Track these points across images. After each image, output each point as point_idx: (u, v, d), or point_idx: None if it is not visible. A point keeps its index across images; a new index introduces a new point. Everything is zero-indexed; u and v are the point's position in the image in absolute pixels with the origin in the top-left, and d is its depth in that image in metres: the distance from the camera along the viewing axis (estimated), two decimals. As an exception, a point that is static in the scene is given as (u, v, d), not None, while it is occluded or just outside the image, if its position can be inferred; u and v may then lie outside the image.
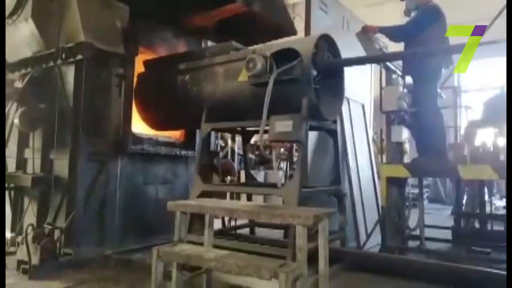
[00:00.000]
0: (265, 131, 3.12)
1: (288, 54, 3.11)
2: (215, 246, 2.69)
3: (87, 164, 3.77)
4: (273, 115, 3.01)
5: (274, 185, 3.22)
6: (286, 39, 4.60)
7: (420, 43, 4.26)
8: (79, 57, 3.71)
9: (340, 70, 3.59)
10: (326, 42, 3.34)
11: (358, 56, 3.96)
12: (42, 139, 3.98)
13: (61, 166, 3.79)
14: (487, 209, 5.79)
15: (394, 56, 3.89)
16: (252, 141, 9.30)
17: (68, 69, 3.87)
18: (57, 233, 3.56)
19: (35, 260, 3.30)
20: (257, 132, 3.57)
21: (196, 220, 3.49)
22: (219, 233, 3.88)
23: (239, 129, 4.27)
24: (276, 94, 3.01)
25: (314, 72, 3.17)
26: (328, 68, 3.35)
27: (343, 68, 3.61)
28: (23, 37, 4.12)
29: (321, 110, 3.24)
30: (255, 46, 3.50)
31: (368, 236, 4.69)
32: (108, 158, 3.92)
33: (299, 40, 3.66)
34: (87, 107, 3.78)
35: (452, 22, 4.51)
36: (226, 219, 4.88)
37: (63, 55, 3.80)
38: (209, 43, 5.34)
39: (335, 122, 3.70)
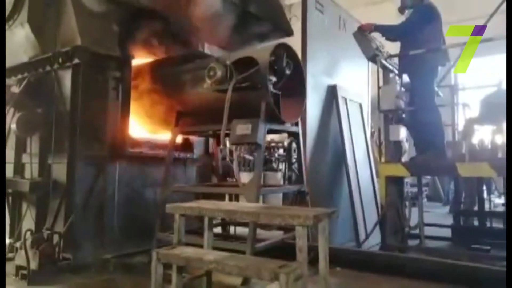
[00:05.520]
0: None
1: (250, 62, 3.27)
2: (214, 248, 2.68)
3: (85, 168, 3.75)
4: (235, 119, 3.23)
5: (236, 185, 3.44)
6: (251, 48, 4.74)
7: (416, 42, 4.28)
8: (76, 61, 3.70)
9: (300, 76, 3.74)
10: (285, 50, 3.49)
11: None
12: (39, 144, 3.97)
13: (59, 170, 3.78)
14: (486, 207, 5.80)
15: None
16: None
17: (65, 73, 3.86)
18: (56, 237, 3.54)
19: (34, 265, 3.28)
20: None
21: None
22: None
23: (211, 132, 4.30)
24: (239, 99, 3.23)
25: (273, 78, 3.36)
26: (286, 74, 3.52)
27: (303, 73, 3.77)
28: (19, 42, 4.11)
29: (280, 114, 3.42)
30: (223, 55, 3.69)
31: (367, 236, 4.69)
32: (106, 162, 3.90)
33: (258, 49, 3.92)
34: (84, 111, 3.77)
35: (446, 20, 4.53)
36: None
37: (60, 60, 3.79)
38: (206, 45, 5.34)
39: (297, 124, 3.86)
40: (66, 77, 3.84)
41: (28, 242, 3.33)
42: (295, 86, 3.68)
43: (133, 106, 4.27)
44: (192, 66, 3.91)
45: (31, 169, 3.95)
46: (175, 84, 4.00)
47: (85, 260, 3.57)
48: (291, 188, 3.99)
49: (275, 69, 3.38)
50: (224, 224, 4.48)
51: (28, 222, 3.84)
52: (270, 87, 3.29)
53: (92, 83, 3.85)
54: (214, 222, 4.36)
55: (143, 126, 4.59)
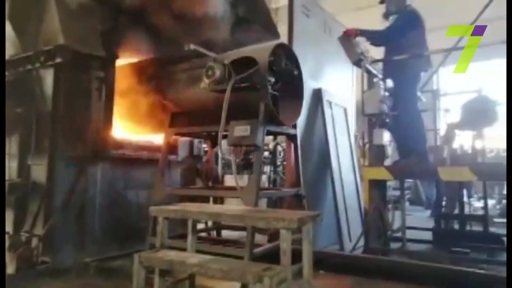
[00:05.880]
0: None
1: (247, 62, 3.19)
2: (198, 251, 2.65)
3: (65, 169, 3.67)
4: (232, 120, 3.13)
5: (234, 188, 3.31)
6: (250, 46, 4.66)
7: (400, 47, 4.35)
8: (58, 60, 3.64)
9: (299, 77, 3.68)
10: (284, 50, 3.45)
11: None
12: (19, 144, 3.87)
13: (38, 171, 3.69)
14: (466, 210, 5.92)
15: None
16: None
17: (47, 73, 3.77)
18: (34, 240, 3.46)
19: (11, 269, 3.19)
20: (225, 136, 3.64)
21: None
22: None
23: (205, 133, 4.25)
24: (236, 100, 3.12)
25: (272, 79, 3.29)
26: (286, 74, 3.45)
27: (302, 75, 3.70)
28: (-1, 39, 4.02)
29: (279, 115, 3.35)
30: (221, 55, 3.56)
31: (354, 245, 4.72)
32: (87, 163, 3.83)
33: (257, 49, 3.79)
34: (66, 111, 3.70)
35: (433, 26, 4.62)
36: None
37: (42, 58, 3.71)
38: (192, 46, 5.29)
39: (295, 126, 3.79)
40: (48, 77, 3.76)
41: (6, 245, 3.24)
42: (292, 87, 3.60)
43: (123, 106, 4.18)
44: (188, 65, 3.80)
45: (9, 170, 3.84)
46: (169, 83, 3.89)
47: (65, 263, 3.49)
48: (289, 191, 3.91)
49: (274, 70, 3.31)
50: (218, 228, 4.41)
51: (6, 225, 3.74)
52: (269, 88, 3.22)
53: (74, 82, 3.78)
54: (209, 226, 4.32)
55: (132, 127, 4.49)
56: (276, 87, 3.38)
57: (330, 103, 5.59)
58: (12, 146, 3.92)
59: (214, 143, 4.45)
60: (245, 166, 8.87)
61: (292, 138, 3.93)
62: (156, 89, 4.00)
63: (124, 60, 4.40)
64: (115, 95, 4.14)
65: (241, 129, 3.08)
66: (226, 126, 3.14)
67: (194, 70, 3.56)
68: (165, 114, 3.92)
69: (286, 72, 3.46)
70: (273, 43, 3.55)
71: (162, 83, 3.97)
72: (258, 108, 3.15)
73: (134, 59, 4.49)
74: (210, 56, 3.32)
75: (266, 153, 8.87)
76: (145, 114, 4.18)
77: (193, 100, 3.67)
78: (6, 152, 3.96)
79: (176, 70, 3.89)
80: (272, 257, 2.57)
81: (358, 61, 4.58)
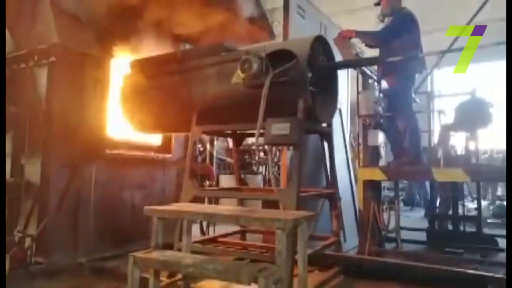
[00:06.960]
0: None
1: (282, 56, 3.02)
2: (195, 252, 2.65)
3: (60, 169, 3.66)
4: (268, 118, 2.95)
5: (269, 190, 3.15)
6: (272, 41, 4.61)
7: (395, 49, 4.37)
8: (53, 58, 3.62)
9: (334, 73, 3.56)
10: (321, 44, 3.32)
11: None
12: (12, 143, 3.84)
13: (32, 171, 3.67)
14: (459, 211, 5.95)
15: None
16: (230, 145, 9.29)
17: (41, 71, 3.76)
18: (28, 241, 3.43)
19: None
20: (249, 135, 3.53)
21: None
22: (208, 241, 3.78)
23: (230, 132, 4.11)
24: (271, 96, 2.93)
25: (309, 74, 3.11)
26: (324, 70, 3.31)
27: (337, 70, 3.57)
28: (-8, 37, 3.99)
29: (317, 113, 3.19)
30: (248, 47, 3.40)
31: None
32: (82, 163, 3.81)
33: (294, 41, 3.56)
34: (61, 110, 3.68)
35: (426, 29, 4.65)
36: (204, 224, 4.84)
37: (36, 57, 3.69)
38: (187, 46, 5.29)
39: (329, 125, 3.65)
40: (42, 75, 3.74)
41: (-1, 246, 3.21)
42: (325, 83, 3.41)
43: (142, 104, 3.94)
44: (218, 59, 3.51)
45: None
46: (196, 78, 3.61)
47: (59, 264, 3.47)
48: (325, 192, 3.74)
49: (311, 64, 3.12)
50: (243, 232, 4.29)
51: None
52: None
53: (69, 81, 3.77)
54: (232, 231, 4.25)
55: (152, 125, 4.18)
56: (312, 83, 3.18)
57: (325, 104, 5.60)
58: (6, 145, 3.89)
59: (238, 141, 4.34)
60: (241, 166, 8.86)
61: (326, 136, 3.75)
62: (181, 84, 3.69)
63: (136, 56, 4.28)
64: (133, 91, 3.94)
65: (279, 127, 2.89)
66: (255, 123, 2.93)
67: (225, 64, 3.33)
68: (189, 111, 3.60)
69: (322, 66, 3.28)
70: (310, 36, 3.26)
71: (187, 78, 3.66)
72: (294, 104, 2.98)
73: (132, 57, 4.44)
74: (242, 49, 3.11)
75: (261, 153, 8.86)
76: (167, 111, 3.85)
77: (223, 96, 3.40)
78: (-1, 151, 3.93)
79: (204, 64, 3.59)
80: (313, 263, 2.42)
81: (353, 62, 4.59)
